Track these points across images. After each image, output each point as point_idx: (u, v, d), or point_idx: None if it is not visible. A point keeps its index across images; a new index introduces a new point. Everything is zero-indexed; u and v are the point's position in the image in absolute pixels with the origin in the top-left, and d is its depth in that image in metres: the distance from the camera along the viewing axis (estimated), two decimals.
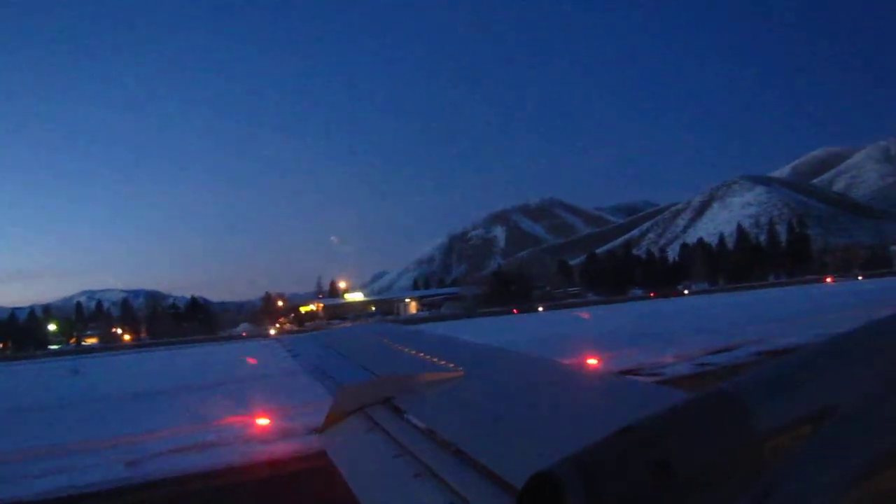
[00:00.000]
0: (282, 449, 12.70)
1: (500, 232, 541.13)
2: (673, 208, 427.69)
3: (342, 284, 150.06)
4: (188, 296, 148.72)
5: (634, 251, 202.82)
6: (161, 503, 10.99)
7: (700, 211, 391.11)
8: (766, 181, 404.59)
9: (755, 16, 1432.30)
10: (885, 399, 1.03)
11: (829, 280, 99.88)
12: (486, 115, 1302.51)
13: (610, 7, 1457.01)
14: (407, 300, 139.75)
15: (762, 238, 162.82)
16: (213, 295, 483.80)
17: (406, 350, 3.73)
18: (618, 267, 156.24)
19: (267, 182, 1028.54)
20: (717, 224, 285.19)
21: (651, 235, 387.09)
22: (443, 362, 3.06)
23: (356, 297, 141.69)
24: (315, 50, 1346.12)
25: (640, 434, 1.00)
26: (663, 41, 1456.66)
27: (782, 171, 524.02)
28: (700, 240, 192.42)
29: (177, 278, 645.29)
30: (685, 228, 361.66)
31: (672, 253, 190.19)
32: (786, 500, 0.90)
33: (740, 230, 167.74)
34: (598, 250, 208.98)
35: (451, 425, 2.11)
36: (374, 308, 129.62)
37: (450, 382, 2.70)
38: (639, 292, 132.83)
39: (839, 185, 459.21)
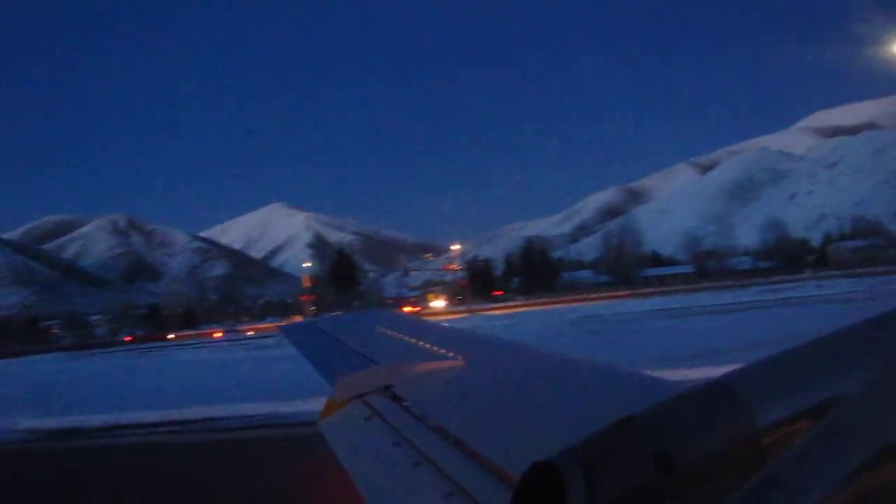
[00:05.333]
0: None
1: None
2: None
3: None
4: None
5: None
6: None
7: None
8: None
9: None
10: (886, 393, 1.03)
11: None
12: None
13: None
14: None
15: None
16: None
17: (406, 338, 3.60)
18: None
19: None
20: None
21: None
22: (443, 351, 2.92)
23: None
24: None
25: (641, 425, 1.00)
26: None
27: (14, 234, 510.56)
28: None
29: None
30: None
31: None
32: (786, 493, 0.90)
33: None
34: None
35: (451, 414, 2.05)
36: None
37: (450, 372, 2.60)
38: None
39: (70, 253, 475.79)
